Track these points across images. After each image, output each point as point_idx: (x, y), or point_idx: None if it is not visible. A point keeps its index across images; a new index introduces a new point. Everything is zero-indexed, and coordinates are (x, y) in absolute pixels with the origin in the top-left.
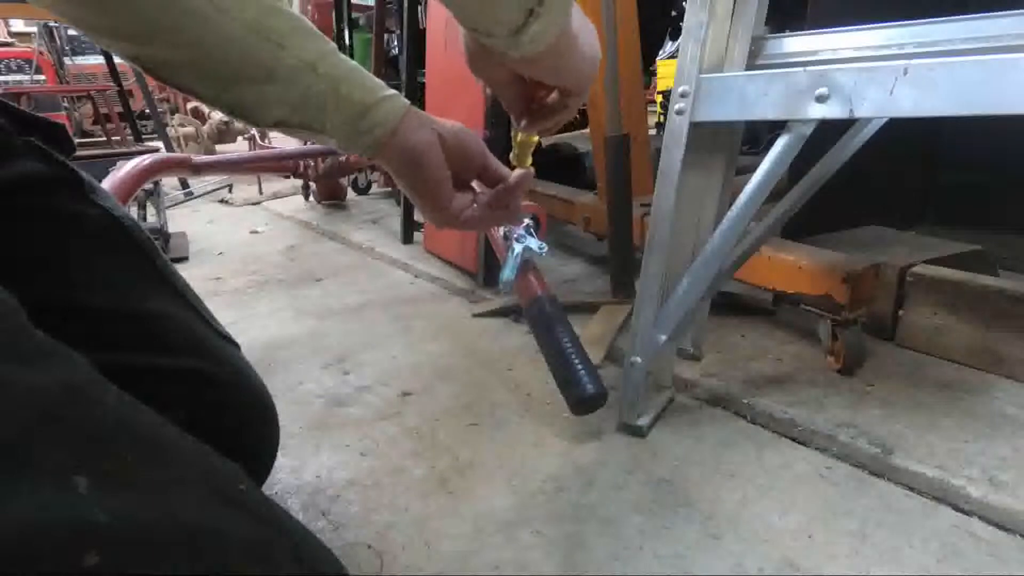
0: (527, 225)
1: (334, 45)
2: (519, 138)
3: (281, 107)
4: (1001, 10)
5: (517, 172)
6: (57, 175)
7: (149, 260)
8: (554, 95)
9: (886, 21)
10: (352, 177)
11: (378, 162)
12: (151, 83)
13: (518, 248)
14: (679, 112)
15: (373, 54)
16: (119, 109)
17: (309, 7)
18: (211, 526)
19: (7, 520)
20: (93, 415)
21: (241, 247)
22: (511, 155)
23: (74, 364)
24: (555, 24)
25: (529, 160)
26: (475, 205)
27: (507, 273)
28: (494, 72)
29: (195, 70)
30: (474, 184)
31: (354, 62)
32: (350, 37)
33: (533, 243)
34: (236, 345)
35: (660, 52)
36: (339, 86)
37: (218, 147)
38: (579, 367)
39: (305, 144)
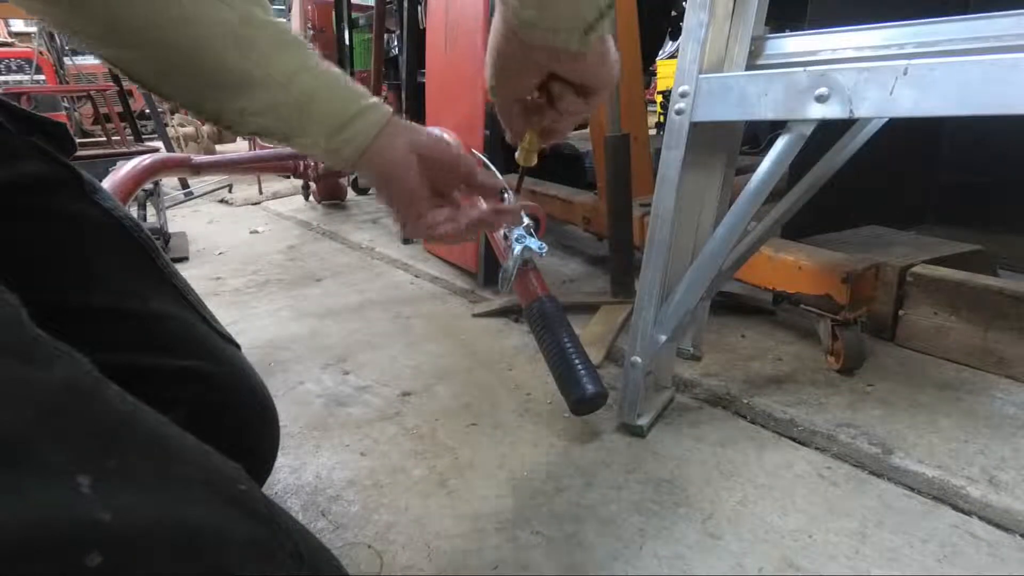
0: (527, 225)
1: (316, 53)
2: (527, 139)
3: (260, 117)
4: (1001, 10)
5: (516, 203)
6: (58, 175)
7: (150, 260)
8: (569, 100)
9: (886, 21)
10: (352, 177)
11: (358, 173)
12: None
13: (518, 248)
14: (679, 112)
15: (373, 54)
16: (119, 109)
17: (309, 7)
18: (212, 525)
19: (10, 519)
20: (95, 413)
21: (241, 247)
22: (516, 154)
23: (76, 363)
24: (613, 24)
25: (535, 160)
26: (453, 221)
27: (507, 273)
28: (519, 83)
29: (173, 78)
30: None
31: (338, 70)
32: (350, 37)
33: (533, 243)
34: (236, 345)
35: (660, 52)
36: (315, 99)
37: (218, 147)
38: (579, 367)
39: None
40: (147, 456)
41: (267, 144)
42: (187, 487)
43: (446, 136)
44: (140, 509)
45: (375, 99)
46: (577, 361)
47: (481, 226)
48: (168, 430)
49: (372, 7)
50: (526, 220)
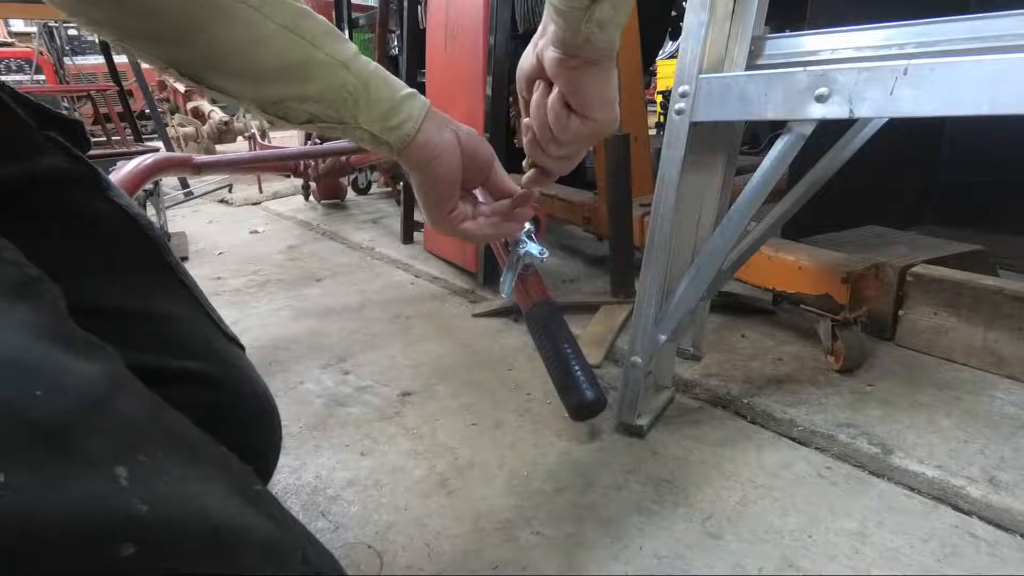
0: (527, 230)
1: (356, 46)
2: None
3: (315, 104)
4: (1001, 10)
5: (520, 192)
6: (77, 171)
7: (162, 259)
8: (558, 111)
9: (886, 21)
10: (352, 177)
11: (401, 159)
12: (151, 82)
13: (519, 253)
14: (679, 112)
15: (376, 54)
16: (119, 109)
17: (309, 7)
18: (233, 523)
19: (53, 507)
20: (131, 407)
21: (241, 247)
22: (524, 162)
23: (112, 356)
24: (619, 19)
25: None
26: (479, 219)
27: (507, 279)
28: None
29: (232, 71)
30: (477, 193)
31: (375, 62)
32: (350, 37)
33: (533, 248)
34: (241, 346)
35: (660, 52)
36: (369, 83)
37: (218, 147)
38: (578, 373)
39: (307, 142)
40: (172, 451)
41: (268, 143)
42: (212, 484)
43: (474, 131)
44: (172, 503)
45: (412, 88)
46: (576, 367)
47: (502, 226)
48: (188, 427)
49: (372, 7)
50: (526, 224)
